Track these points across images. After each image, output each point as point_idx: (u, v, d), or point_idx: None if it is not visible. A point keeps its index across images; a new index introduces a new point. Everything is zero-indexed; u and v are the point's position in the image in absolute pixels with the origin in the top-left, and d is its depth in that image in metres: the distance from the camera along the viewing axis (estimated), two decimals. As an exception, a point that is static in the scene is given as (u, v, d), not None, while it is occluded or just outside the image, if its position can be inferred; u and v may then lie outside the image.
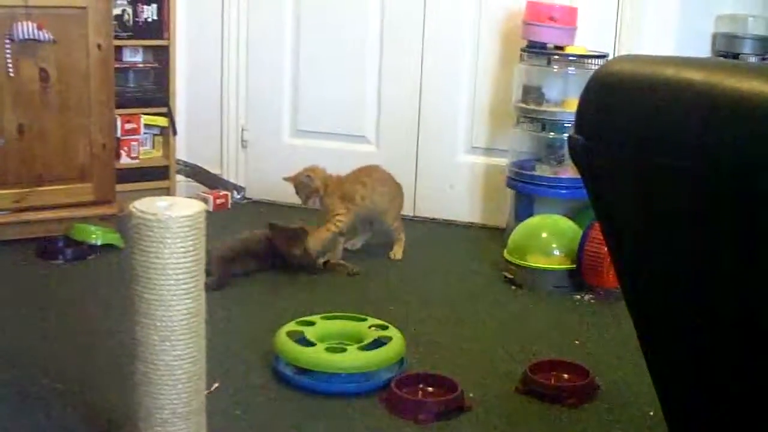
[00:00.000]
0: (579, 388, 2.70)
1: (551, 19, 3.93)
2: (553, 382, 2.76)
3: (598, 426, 2.56)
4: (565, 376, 2.80)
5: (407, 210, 4.41)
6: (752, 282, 1.33)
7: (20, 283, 3.56)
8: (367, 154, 4.46)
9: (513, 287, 3.63)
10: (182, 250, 2.09)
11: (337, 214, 3.79)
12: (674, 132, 1.33)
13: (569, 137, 1.45)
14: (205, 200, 4.36)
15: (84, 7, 3.84)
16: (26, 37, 3.74)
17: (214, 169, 4.78)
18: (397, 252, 3.95)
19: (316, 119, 4.65)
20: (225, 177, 4.81)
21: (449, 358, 2.97)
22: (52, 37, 3.78)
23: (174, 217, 2.07)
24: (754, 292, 1.34)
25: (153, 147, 4.58)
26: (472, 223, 4.45)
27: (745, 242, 1.31)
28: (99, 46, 3.90)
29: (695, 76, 1.32)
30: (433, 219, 4.49)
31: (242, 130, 4.78)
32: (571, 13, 3.98)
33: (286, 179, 3.87)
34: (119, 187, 4.15)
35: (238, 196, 4.80)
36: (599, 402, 2.69)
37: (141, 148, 4.49)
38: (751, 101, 1.24)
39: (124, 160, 4.41)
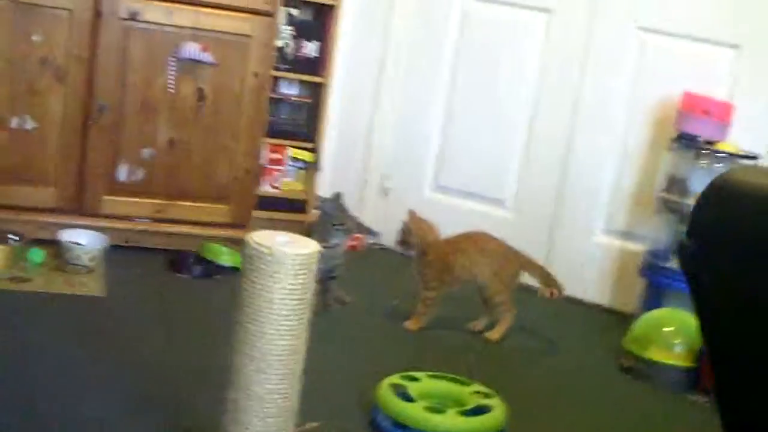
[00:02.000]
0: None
1: (705, 112, 3.84)
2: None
3: None
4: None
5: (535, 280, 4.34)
6: None
7: (146, 291, 3.66)
8: (503, 219, 4.44)
9: (628, 376, 3.54)
10: (291, 287, 2.11)
11: (428, 288, 3.70)
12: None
13: (680, 241, 1.42)
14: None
15: (249, 36, 3.96)
16: (190, 57, 3.87)
17: (352, 211, 4.80)
18: (495, 333, 3.73)
19: (458, 177, 4.65)
20: (362, 220, 4.84)
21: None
22: (213, 60, 3.91)
23: (287, 253, 2.09)
24: None
25: (296, 180, 4.65)
26: (599, 304, 4.35)
27: None
28: (256, 74, 4.01)
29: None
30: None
31: (385, 177, 4.82)
32: (726, 110, 3.88)
33: (411, 212, 3.79)
34: (256, 214, 4.24)
35: (372, 241, 4.82)
36: None
37: (283, 179, 4.57)
38: None
39: (265, 188, 4.49)
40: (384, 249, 4.76)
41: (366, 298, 3.94)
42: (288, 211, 4.53)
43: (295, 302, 2.13)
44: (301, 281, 2.12)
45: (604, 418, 3.15)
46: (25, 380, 2.74)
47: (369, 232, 4.82)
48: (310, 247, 2.16)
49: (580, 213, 4.39)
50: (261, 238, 2.14)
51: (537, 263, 3.86)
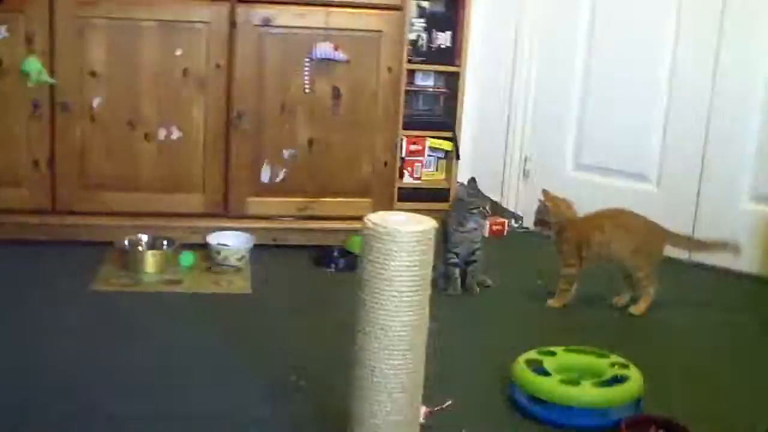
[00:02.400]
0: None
1: None
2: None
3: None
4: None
5: (683, 253, 4.26)
6: None
7: (291, 286, 3.79)
8: (646, 194, 4.40)
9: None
10: (408, 263, 2.17)
11: (567, 266, 3.70)
12: None
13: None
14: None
15: (379, 31, 4.05)
16: (323, 56, 3.99)
17: (494, 196, 4.84)
18: (639, 307, 3.70)
19: (599, 154, 4.62)
20: (504, 204, 4.87)
21: (689, 407, 2.86)
22: (346, 57, 4.01)
23: (402, 231, 2.15)
24: None
25: (436, 169, 4.72)
26: (748, 273, 4.24)
27: None
28: (389, 69, 4.10)
29: None
30: (708, 265, 4.32)
31: (525, 159, 4.83)
32: None
33: (545, 192, 3.79)
34: (398, 205, 4.32)
35: (516, 225, 4.85)
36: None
37: (424, 170, 4.66)
38: None
39: (407, 180, 4.59)
40: (527, 232, 4.78)
41: (509, 281, 3.97)
42: (430, 200, 4.60)
43: (413, 279, 2.19)
44: (417, 257, 2.18)
45: (746, 388, 3.08)
46: (177, 372, 2.90)
47: (511, 215, 4.84)
48: (424, 224, 2.22)
49: (725, 181, 4.29)
50: (376, 218, 2.21)
51: (682, 235, 3.81)
